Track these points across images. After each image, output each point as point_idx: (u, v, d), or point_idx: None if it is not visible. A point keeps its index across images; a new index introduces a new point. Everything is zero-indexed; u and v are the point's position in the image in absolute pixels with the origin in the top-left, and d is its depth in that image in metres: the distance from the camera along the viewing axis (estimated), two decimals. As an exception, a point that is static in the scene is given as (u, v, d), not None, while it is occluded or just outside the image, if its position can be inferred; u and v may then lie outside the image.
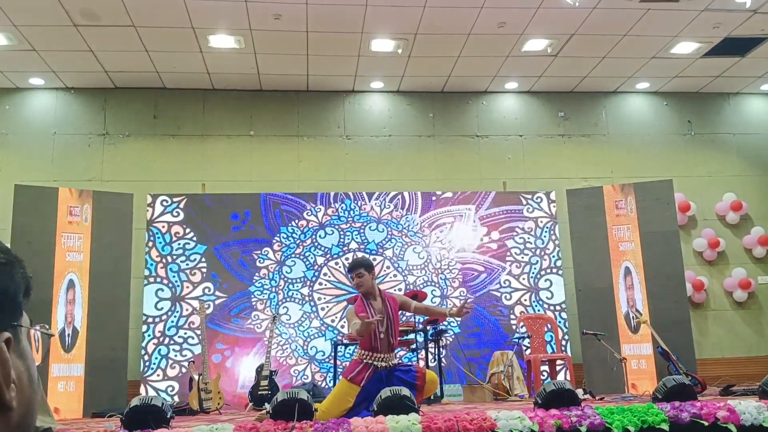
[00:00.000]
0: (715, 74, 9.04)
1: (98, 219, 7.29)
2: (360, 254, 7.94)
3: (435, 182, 8.91)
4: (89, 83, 8.65)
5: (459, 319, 6.84)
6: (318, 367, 7.75)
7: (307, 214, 8.14)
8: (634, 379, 7.30)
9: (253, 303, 7.84)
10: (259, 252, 7.95)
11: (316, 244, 8.10)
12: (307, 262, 8.04)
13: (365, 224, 8.23)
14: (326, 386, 7.41)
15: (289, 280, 7.96)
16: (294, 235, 8.07)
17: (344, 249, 8.12)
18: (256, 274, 7.91)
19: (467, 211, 8.33)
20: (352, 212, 8.23)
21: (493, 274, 8.21)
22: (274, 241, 8.01)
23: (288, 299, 7.92)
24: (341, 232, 8.17)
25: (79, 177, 8.44)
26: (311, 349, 7.82)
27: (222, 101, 8.96)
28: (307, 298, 7.95)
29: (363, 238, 8.18)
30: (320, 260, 8.07)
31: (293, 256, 8.03)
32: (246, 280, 7.89)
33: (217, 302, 7.77)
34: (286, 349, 7.77)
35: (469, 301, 5.90)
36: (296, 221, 8.10)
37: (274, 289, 7.91)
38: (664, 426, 3.41)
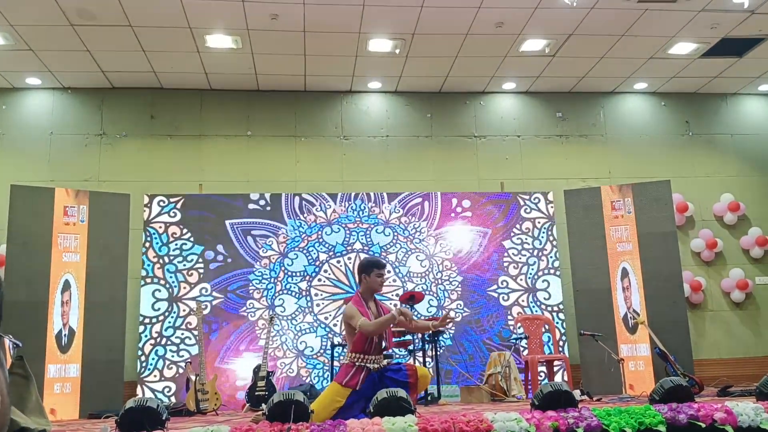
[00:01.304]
0: (712, 75, 9.04)
1: (95, 219, 7.27)
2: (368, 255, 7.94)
3: (433, 183, 8.89)
4: (86, 83, 8.63)
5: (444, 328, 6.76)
6: (304, 363, 7.76)
7: (316, 209, 8.17)
8: (632, 380, 7.29)
9: (251, 291, 7.85)
10: (266, 239, 7.99)
11: (321, 240, 8.10)
12: (310, 257, 8.05)
13: (372, 226, 8.22)
14: (323, 388, 7.39)
15: (289, 273, 7.97)
16: (301, 228, 8.08)
17: (348, 248, 8.12)
18: (258, 263, 7.92)
19: (480, 233, 8.32)
20: (361, 212, 8.23)
21: (490, 285, 8.21)
22: (280, 232, 8.04)
23: (285, 291, 7.92)
24: (347, 231, 8.18)
25: (76, 177, 8.42)
26: (301, 344, 7.82)
27: (219, 101, 8.94)
28: (304, 293, 7.96)
29: (368, 239, 8.18)
30: (323, 257, 8.07)
31: (296, 249, 8.04)
32: (251, 259, 7.92)
33: (214, 303, 7.76)
34: (276, 341, 7.77)
35: (451, 312, 5.94)
36: (305, 215, 8.13)
37: (273, 280, 7.92)
38: (662, 428, 3.39)
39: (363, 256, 7.89)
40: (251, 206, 8.08)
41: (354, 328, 4.49)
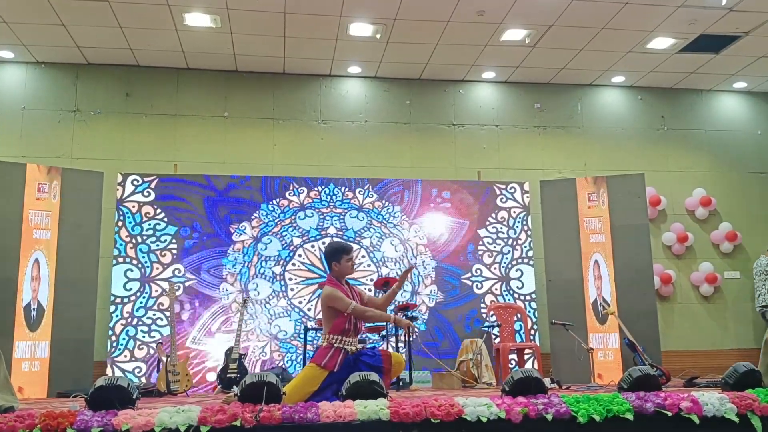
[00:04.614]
0: (689, 70, 9.13)
1: (67, 197, 7.16)
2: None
3: (410, 170, 8.90)
4: (61, 58, 8.48)
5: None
6: (278, 346, 7.76)
7: (289, 194, 8.12)
8: (601, 370, 7.39)
9: (224, 275, 7.81)
10: (240, 220, 7.97)
11: (295, 225, 8.07)
12: (284, 242, 8.02)
13: (346, 211, 8.21)
14: (295, 372, 7.40)
15: (263, 257, 7.94)
16: (274, 213, 8.04)
17: (322, 233, 8.10)
18: (231, 247, 7.88)
19: (455, 221, 8.35)
20: (334, 197, 8.21)
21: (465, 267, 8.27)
22: (253, 217, 7.99)
23: (258, 275, 7.89)
24: (321, 216, 8.16)
25: (49, 153, 8.28)
26: (274, 327, 7.81)
27: (196, 81, 8.84)
28: (278, 277, 7.93)
29: (342, 224, 8.17)
30: (297, 241, 8.05)
31: (270, 233, 8.00)
32: (226, 239, 7.86)
33: (186, 284, 7.71)
34: (249, 324, 7.75)
35: (416, 322, 6.04)
36: (278, 200, 8.09)
37: (246, 264, 7.89)
38: (629, 415, 3.45)
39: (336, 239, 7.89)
40: (231, 185, 8.04)
41: (336, 310, 4.48)
